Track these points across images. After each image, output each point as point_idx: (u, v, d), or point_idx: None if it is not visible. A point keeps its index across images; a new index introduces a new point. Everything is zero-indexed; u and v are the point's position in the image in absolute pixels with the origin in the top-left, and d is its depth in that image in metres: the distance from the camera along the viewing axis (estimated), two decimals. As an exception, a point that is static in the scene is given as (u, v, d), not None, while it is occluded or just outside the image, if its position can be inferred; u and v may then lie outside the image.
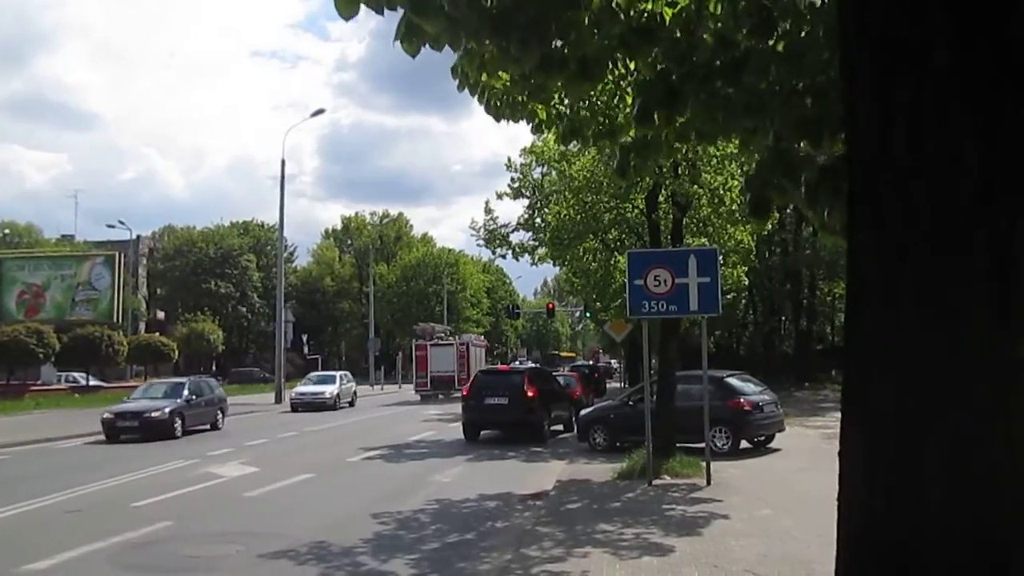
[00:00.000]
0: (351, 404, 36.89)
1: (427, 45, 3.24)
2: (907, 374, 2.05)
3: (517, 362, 73.66)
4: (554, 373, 30.66)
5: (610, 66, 3.44)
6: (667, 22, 3.35)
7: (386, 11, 3.21)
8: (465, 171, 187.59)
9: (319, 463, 16.91)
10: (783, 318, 47.62)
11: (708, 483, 12.84)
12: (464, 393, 22.60)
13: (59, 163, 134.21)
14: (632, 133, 3.82)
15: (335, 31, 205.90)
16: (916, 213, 2.08)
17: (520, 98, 3.80)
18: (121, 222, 62.32)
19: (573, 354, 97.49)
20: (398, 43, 3.33)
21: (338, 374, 38.93)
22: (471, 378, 23.80)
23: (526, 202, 22.63)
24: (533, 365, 34.83)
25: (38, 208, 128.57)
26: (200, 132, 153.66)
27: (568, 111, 4.19)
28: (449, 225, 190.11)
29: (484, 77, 3.46)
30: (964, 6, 2.04)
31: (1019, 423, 2.01)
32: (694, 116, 3.30)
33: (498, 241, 24.35)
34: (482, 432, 21.82)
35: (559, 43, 3.18)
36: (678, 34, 3.31)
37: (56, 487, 13.44)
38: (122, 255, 49.93)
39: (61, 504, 12.27)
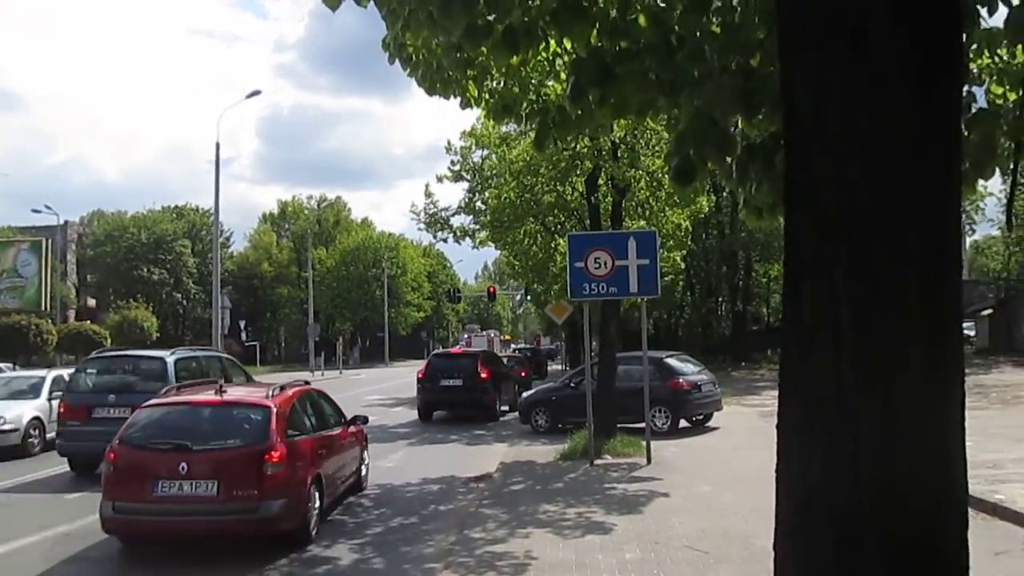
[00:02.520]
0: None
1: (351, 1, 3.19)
2: (842, 348, 2.11)
3: (459, 345, 75.40)
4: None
5: (541, 41, 3.42)
6: (600, 1, 3.35)
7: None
8: (407, 154, 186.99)
9: (259, 450, 16.63)
10: (720, 299, 48.51)
11: (648, 462, 13.04)
12: (420, 376, 23.25)
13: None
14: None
15: (273, 10, 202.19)
16: (852, 191, 2.13)
17: (452, 73, 3.76)
18: (47, 207, 60.15)
19: (507, 337, 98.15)
20: (336, 18, 3.29)
21: (43, 376, 18.19)
22: (427, 361, 24.75)
23: (466, 185, 22.57)
24: (483, 349, 35.81)
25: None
26: (133, 114, 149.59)
27: (500, 87, 4.18)
28: (392, 210, 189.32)
29: (414, 42, 3.41)
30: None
31: (949, 393, 2.09)
32: (627, 95, 3.30)
33: (439, 225, 24.28)
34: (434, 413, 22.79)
35: (488, 12, 3.15)
36: (612, 13, 3.31)
37: (-16, 480, 13.03)
38: (49, 241, 48.43)
39: (-11, 498, 11.89)
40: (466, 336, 68.33)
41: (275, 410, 8.98)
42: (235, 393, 10.12)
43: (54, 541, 9.25)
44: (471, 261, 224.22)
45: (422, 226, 25.35)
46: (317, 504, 9.40)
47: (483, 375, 22.60)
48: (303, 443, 9.34)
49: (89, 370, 14.59)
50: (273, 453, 8.56)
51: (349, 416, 11.60)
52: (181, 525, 8.50)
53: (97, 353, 16.30)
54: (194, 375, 13.90)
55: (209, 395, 9.58)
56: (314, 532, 9.20)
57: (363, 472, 12.11)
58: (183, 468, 8.38)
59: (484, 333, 71.66)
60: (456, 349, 32.38)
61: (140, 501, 8.47)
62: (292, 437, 9.07)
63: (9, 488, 12.60)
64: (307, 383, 11.09)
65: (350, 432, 11.44)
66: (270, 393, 9.43)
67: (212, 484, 8.43)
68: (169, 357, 14.17)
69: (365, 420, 12.05)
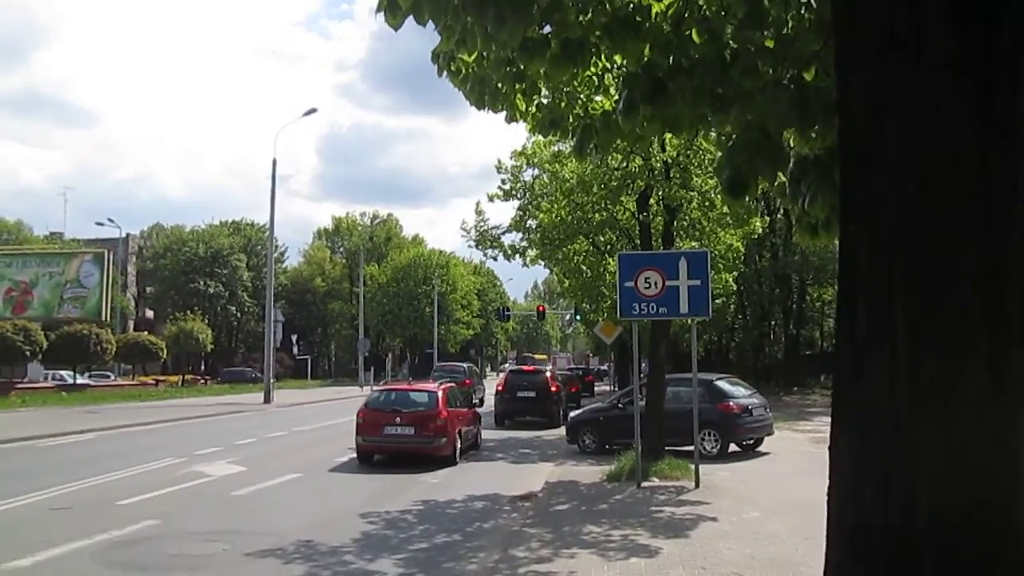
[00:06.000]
0: None
1: (412, 18, 3.20)
2: (897, 368, 2.04)
3: (507, 364, 79.00)
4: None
5: (594, 55, 3.40)
6: (653, 15, 3.32)
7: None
8: (463, 173, 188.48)
9: (307, 463, 16.83)
10: (773, 323, 47.73)
11: (697, 486, 12.83)
12: (499, 388, 27.93)
13: (54, 160, 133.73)
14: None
15: (336, 31, 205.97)
16: (910, 207, 2.07)
17: (501, 87, 3.76)
18: (111, 220, 62.15)
19: (544, 356, 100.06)
20: (396, 39, 3.31)
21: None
22: (505, 376, 29.89)
23: (517, 204, 22.55)
24: (548, 367, 37.94)
25: (32, 205, 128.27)
26: (199, 131, 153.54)
27: (548, 101, 4.18)
28: (445, 227, 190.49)
29: (465, 56, 3.42)
30: (958, -3, 2.03)
31: (1014, 416, 2.00)
32: (679, 109, 3.26)
33: (489, 243, 24.28)
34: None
35: (542, 24, 3.15)
36: (666, 27, 3.27)
37: (42, 484, 13.33)
38: (111, 253, 49.69)
39: (47, 501, 12.16)
40: (554, 357, 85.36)
41: (441, 393, 17.42)
42: (419, 384, 20.91)
43: (105, 545, 9.42)
44: (521, 280, 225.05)
45: (472, 244, 25.39)
46: (459, 444, 17.23)
47: (553, 388, 27.31)
48: (453, 412, 17.39)
49: (436, 372, 35.02)
50: (441, 414, 16.68)
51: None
52: (395, 447, 16.68)
53: (437, 366, 39.73)
54: (469, 374, 35.92)
55: (406, 384, 21.76)
56: (458, 458, 16.89)
57: (479, 437, 19.77)
58: (398, 420, 16.65)
59: (564, 355, 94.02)
60: (529, 367, 35.32)
61: (375, 436, 16.66)
62: (449, 407, 17.14)
63: (64, 492, 12.90)
64: (453, 384, 21.53)
65: (472, 411, 20.32)
66: (438, 385, 18.79)
67: (411, 428, 16.50)
68: (465, 364, 40.57)
69: (480, 404, 24.90)
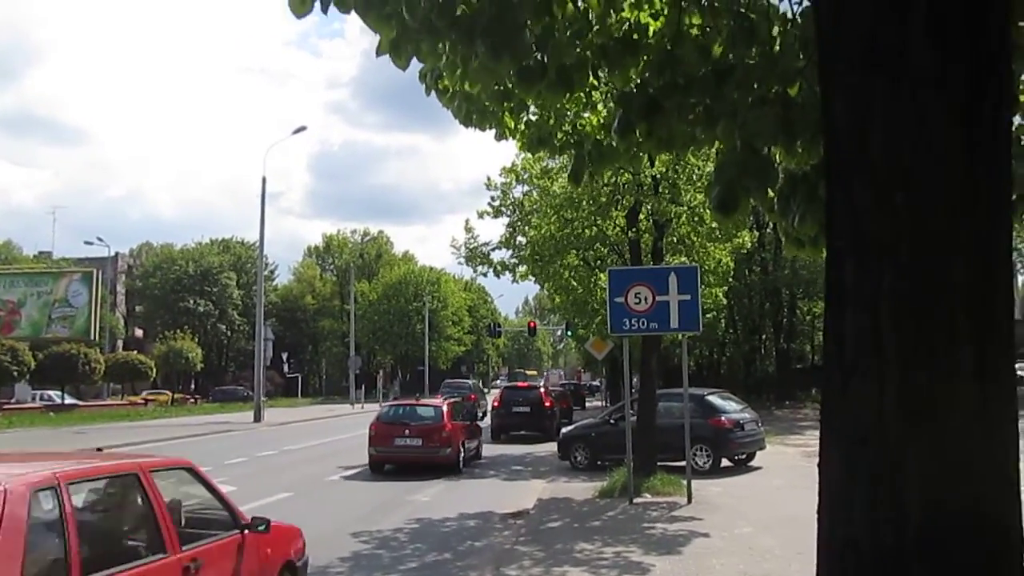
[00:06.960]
0: None
1: (415, 57, 3.21)
2: (886, 382, 2.02)
3: (498, 381, 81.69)
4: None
5: (590, 77, 3.40)
6: (650, 34, 3.32)
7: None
8: (454, 190, 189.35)
9: (298, 482, 16.72)
10: (763, 337, 47.82)
11: (689, 501, 12.80)
12: (496, 404, 29.27)
13: (44, 180, 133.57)
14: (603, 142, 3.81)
15: (327, 49, 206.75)
16: (896, 220, 2.05)
17: (489, 105, 3.76)
18: (99, 239, 61.88)
19: (536, 372, 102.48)
20: (389, 63, 3.28)
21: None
22: (500, 392, 31.13)
23: (506, 220, 22.54)
24: (542, 383, 41.98)
25: (21, 225, 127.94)
26: (190, 149, 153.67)
27: (536, 119, 4.19)
28: (436, 244, 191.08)
29: (468, 87, 3.43)
30: (943, 10, 2.03)
31: (1002, 430, 1.99)
32: (673, 128, 3.26)
33: (479, 259, 24.25)
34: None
35: (536, 53, 3.14)
36: (663, 46, 3.28)
37: (28, 507, 13.17)
38: (99, 272, 49.42)
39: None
40: (547, 374, 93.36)
41: (446, 408, 19.18)
42: (426, 400, 22.43)
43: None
44: (512, 296, 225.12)
45: (462, 261, 25.39)
46: (462, 454, 18.81)
47: (546, 404, 28.48)
48: (457, 424, 19.25)
49: (444, 389, 38.96)
50: (446, 427, 18.42)
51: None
52: (404, 458, 18.29)
53: (446, 383, 43.30)
54: (474, 389, 41.07)
55: (414, 400, 22.15)
56: (461, 467, 18.47)
57: (480, 448, 21.33)
58: (406, 432, 18.37)
59: (556, 371, 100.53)
60: (523, 383, 37.02)
61: (386, 447, 18.37)
62: (453, 420, 18.92)
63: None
64: (459, 399, 25.32)
65: (474, 424, 22.13)
66: (443, 400, 21.02)
67: (419, 440, 18.17)
68: (470, 381, 50.06)
69: (483, 418, 27.81)
